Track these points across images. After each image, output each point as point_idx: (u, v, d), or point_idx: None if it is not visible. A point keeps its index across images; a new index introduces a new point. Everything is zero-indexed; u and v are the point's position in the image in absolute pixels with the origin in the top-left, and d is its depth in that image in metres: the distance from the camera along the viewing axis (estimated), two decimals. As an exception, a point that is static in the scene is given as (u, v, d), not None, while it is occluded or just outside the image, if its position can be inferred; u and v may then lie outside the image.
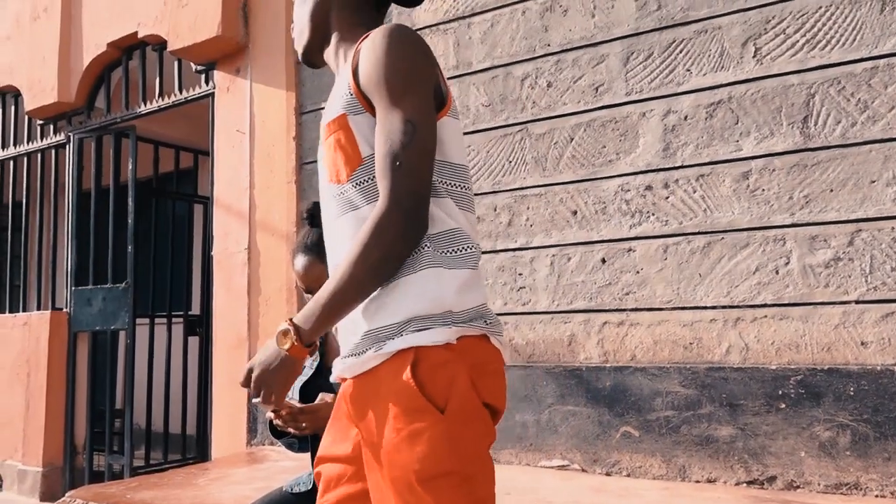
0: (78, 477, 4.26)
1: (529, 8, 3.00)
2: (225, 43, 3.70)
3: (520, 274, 2.93)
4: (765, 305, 2.48)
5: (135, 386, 4.29)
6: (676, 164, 2.65)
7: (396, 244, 0.97)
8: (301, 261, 1.72)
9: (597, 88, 2.83)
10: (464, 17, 3.16)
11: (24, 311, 4.81)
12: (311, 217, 1.75)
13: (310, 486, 1.85)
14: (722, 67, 2.60)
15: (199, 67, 3.96)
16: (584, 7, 2.87)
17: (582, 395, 2.73)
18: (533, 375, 2.83)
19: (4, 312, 4.91)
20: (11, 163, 4.97)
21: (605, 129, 2.79)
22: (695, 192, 2.61)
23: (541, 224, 2.90)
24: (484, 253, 3.01)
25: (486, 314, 1.04)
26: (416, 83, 1.01)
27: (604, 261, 2.76)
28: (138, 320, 4.35)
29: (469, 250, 1.04)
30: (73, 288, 4.48)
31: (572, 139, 2.86)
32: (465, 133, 3.10)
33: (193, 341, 4.97)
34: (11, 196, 5.01)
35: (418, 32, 3.20)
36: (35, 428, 4.35)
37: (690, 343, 2.58)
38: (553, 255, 2.87)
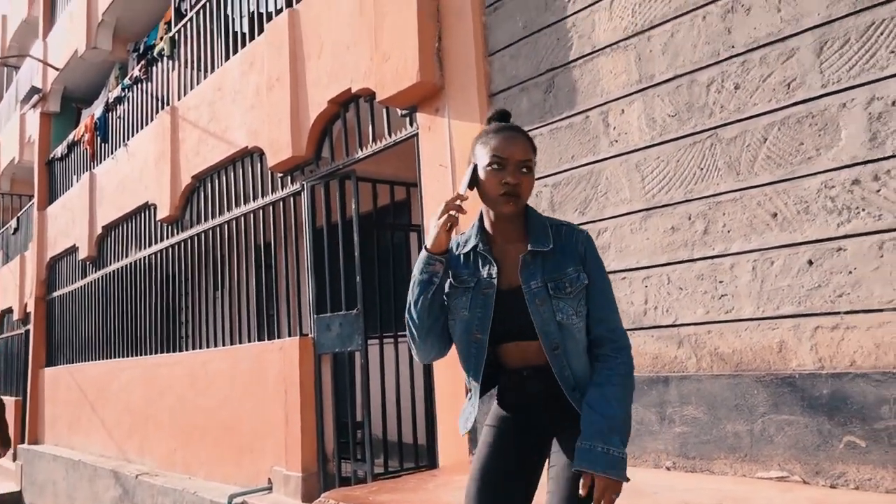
0: (330, 481, 4.86)
1: (710, 12, 2.97)
2: (424, 88, 4.08)
3: (720, 281, 2.89)
4: None
5: (371, 400, 4.80)
6: (887, 154, 2.47)
7: None
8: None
9: (789, 84, 2.72)
10: (643, 31, 3.20)
11: (278, 337, 5.60)
12: (500, 116, 1.82)
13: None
14: (933, 44, 2.38)
15: (403, 111, 4.39)
16: (767, 3, 2.79)
17: (797, 403, 2.62)
18: (742, 384, 2.77)
19: (264, 340, 5.75)
20: (261, 211, 5.84)
21: (801, 125, 2.68)
22: (911, 182, 2.41)
23: (739, 229, 2.85)
24: (681, 262, 3.02)
25: None
26: None
27: (811, 262, 2.64)
28: (369, 341, 4.87)
29: None
30: (314, 315, 5.14)
31: (766, 139, 2.77)
32: (653, 145, 3.13)
33: (417, 358, 5.43)
34: (263, 239, 5.87)
35: (599, 52, 3.30)
36: (293, 438, 5.04)
37: (919, 346, 2.38)
38: (755, 261, 2.79)
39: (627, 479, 1.57)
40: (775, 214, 2.74)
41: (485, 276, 1.73)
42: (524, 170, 1.71)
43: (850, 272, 2.54)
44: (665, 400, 3.01)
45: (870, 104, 2.51)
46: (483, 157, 1.72)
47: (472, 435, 3.77)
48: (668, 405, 3.00)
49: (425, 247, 1.71)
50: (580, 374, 1.69)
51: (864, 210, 2.51)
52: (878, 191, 2.48)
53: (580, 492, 1.55)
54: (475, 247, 1.76)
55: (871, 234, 2.49)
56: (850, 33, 2.57)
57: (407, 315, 1.76)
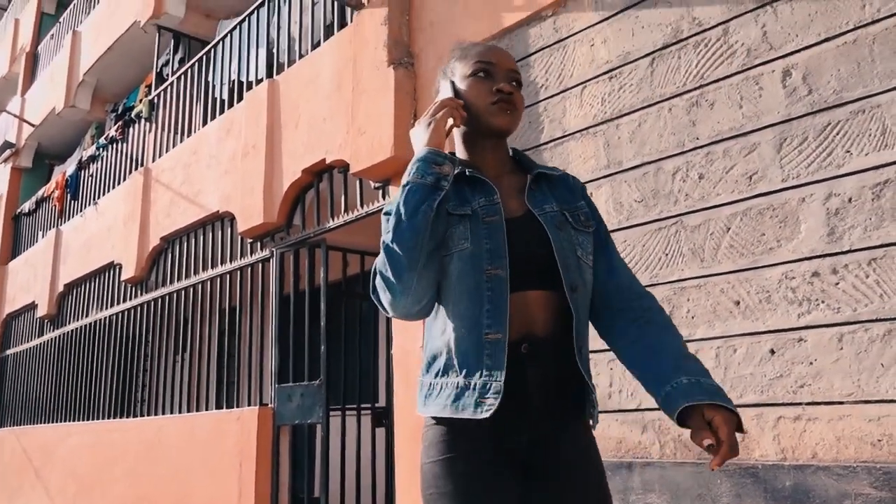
0: (282, 561, 4.65)
1: (676, 105, 3.09)
2: (397, 162, 4.13)
3: (684, 367, 2.89)
4: (964, 398, 2.25)
5: (329, 474, 4.65)
6: (844, 249, 2.54)
7: None
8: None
9: (750, 177, 2.81)
10: (612, 119, 3.30)
11: (238, 406, 5.44)
12: None
13: None
14: (885, 146, 2.49)
15: (376, 184, 4.43)
16: (730, 99, 2.91)
17: (760, 494, 2.59)
18: (706, 473, 2.74)
19: (223, 407, 5.58)
20: (228, 276, 5.77)
21: (762, 216, 2.75)
22: (867, 276, 2.47)
23: (702, 315, 2.87)
24: (645, 346, 3.02)
25: None
26: None
27: (773, 352, 2.66)
28: (331, 412, 4.76)
29: None
30: (276, 385, 5.02)
31: (729, 229, 2.84)
32: (620, 229, 3.18)
33: (381, 431, 5.32)
34: (228, 304, 5.78)
35: (569, 136, 3.39)
36: (246, 513, 4.83)
37: (879, 440, 2.39)
38: (718, 347, 2.81)
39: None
40: (738, 302, 2.78)
41: (482, 202, 1.36)
42: (513, 83, 1.42)
43: (812, 363, 2.56)
44: (629, 486, 2.96)
45: (827, 200, 2.60)
46: (464, 68, 1.42)
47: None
48: (631, 492, 2.95)
49: (424, 146, 1.36)
50: (584, 334, 1.38)
51: (823, 302, 2.56)
52: (837, 284, 2.54)
53: (708, 441, 1.16)
54: (459, 173, 1.39)
55: (831, 327, 2.53)
56: (807, 132, 2.68)
57: (392, 241, 1.29)
